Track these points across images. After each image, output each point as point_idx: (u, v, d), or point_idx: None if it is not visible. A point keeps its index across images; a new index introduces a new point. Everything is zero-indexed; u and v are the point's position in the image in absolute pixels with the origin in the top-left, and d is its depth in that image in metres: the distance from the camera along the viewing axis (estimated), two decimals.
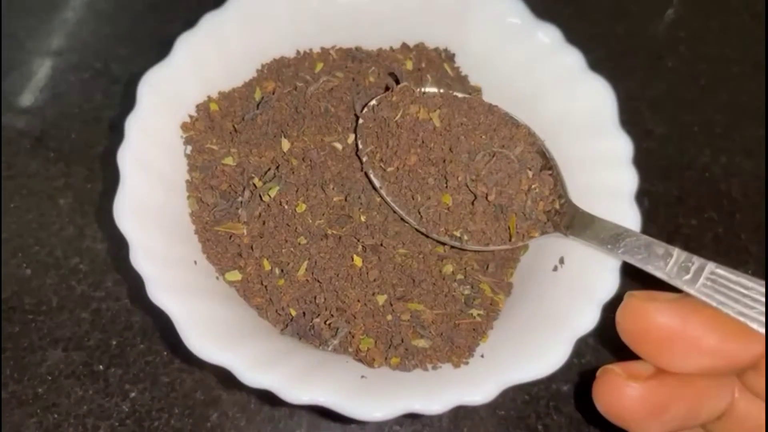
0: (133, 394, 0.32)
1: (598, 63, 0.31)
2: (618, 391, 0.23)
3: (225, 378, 0.31)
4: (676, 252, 0.24)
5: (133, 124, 0.28)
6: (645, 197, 0.37)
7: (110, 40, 0.42)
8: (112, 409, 0.31)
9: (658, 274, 0.24)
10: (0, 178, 0.37)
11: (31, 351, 0.33)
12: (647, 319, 0.22)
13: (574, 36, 0.32)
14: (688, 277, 0.23)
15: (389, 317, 0.27)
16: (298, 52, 0.33)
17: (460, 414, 0.32)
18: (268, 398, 0.31)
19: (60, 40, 0.42)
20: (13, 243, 0.35)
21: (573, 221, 0.27)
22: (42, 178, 0.37)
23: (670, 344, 0.22)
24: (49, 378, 0.32)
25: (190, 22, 0.31)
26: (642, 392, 0.22)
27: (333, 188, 0.28)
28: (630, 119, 0.30)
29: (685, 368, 0.23)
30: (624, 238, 0.25)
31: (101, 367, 0.32)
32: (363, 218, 0.28)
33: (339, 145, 0.30)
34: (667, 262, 0.24)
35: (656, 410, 0.22)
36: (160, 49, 0.39)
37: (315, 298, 0.27)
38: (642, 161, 0.29)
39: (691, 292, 0.23)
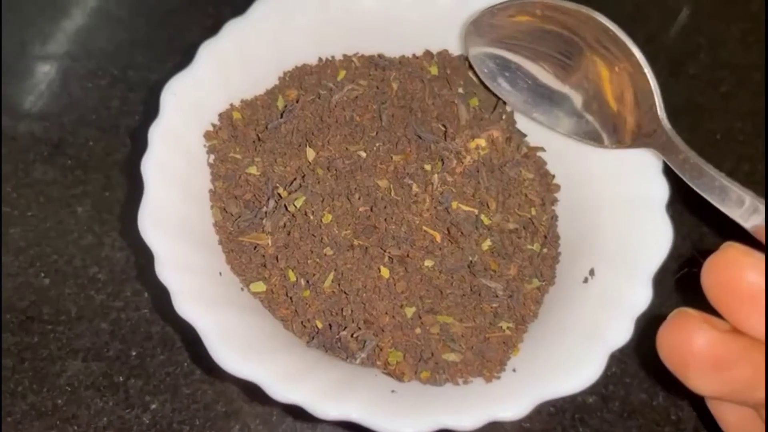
0: (153, 406, 0.31)
1: None
2: (689, 333, 0.21)
3: (247, 389, 0.31)
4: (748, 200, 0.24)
5: (156, 133, 0.27)
6: (669, 205, 0.37)
7: (127, 46, 0.42)
8: (133, 421, 0.31)
9: (731, 214, 0.25)
10: (15, 186, 0.37)
11: (50, 362, 0.32)
12: (736, 272, 0.21)
13: None
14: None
15: (418, 330, 0.26)
16: (320, 60, 0.33)
17: (485, 427, 0.31)
18: (291, 411, 0.31)
19: (76, 47, 0.42)
20: (30, 252, 0.35)
21: (664, 141, 0.28)
22: (60, 185, 0.37)
23: (751, 303, 0.21)
24: (69, 389, 0.32)
25: (207, 29, 0.31)
26: (713, 340, 0.21)
27: (359, 198, 0.28)
28: None
29: (760, 333, 0.21)
30: (703, 176, 0.26)
31: (121, 378, 0.32)
32: (389, 228, 0.28)
33: (364, 154, 0.29)
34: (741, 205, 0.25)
35: (721, 364, 0.21)
36: (178, 56, 0.39)
37: (342, 310, 0.27)
38: (664, 169, 0.29)
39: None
